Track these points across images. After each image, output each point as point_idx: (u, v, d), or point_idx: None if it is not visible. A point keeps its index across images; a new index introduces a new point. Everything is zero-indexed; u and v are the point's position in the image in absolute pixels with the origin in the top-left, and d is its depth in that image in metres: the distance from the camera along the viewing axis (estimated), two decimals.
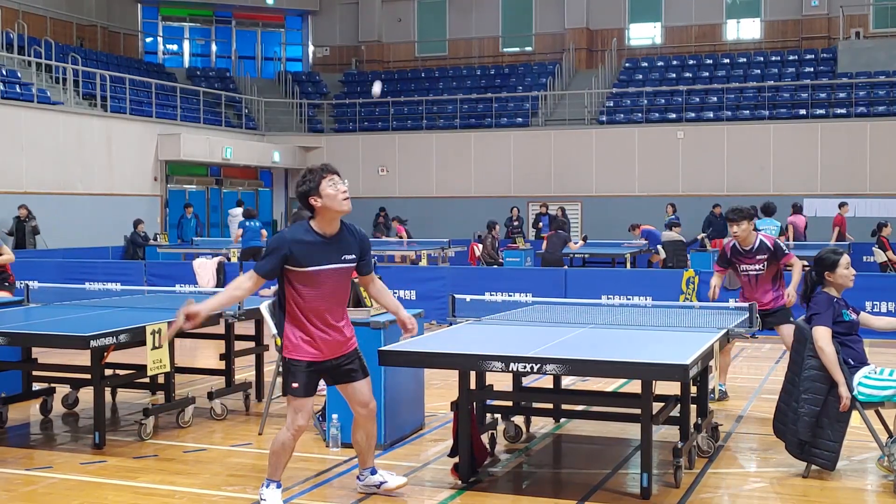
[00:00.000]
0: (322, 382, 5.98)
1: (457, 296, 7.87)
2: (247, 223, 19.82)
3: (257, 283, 5.51)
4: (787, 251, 8.45)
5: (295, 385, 5.59)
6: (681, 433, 6.58)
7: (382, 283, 5.99)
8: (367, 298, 7.20)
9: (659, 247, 19.29)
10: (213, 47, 35.37)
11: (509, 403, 7.31)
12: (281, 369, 5.85)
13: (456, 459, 6.35)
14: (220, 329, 8.68)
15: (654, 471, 6.10)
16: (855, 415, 6.33)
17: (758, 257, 8.31)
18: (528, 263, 19.87)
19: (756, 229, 8.60)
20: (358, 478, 6.11)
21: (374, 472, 6.04)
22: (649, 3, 31.97)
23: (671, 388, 6.74)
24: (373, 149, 29.61)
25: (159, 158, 25.61)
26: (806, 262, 8.51)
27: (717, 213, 23.60)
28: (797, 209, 20.51)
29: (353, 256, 5.64)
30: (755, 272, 8.34)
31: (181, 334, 8.50)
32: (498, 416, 7.29)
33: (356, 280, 7.27)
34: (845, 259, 6.59)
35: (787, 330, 8.03)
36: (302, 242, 5.46)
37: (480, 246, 20.50)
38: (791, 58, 29.30)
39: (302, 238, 5.48)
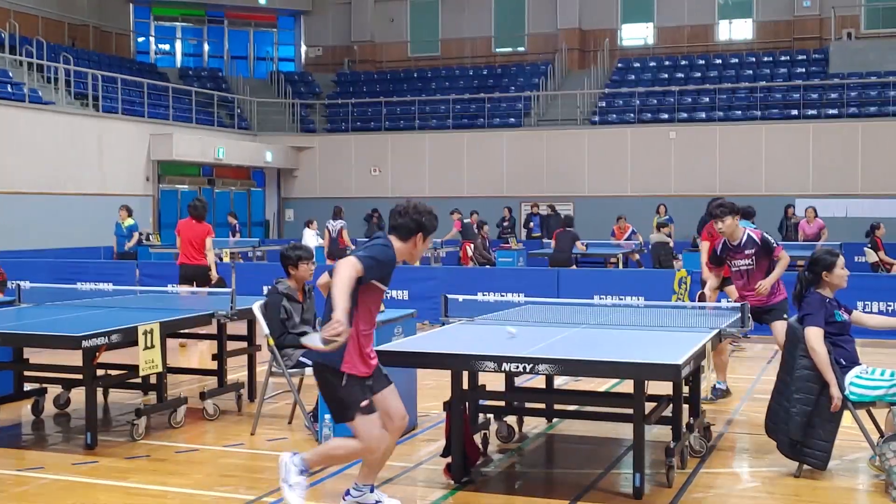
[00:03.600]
0: None
1: (449, 296, 7.87)
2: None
3: (358, 273, 5.16)
4: (775, 244, 8.42)
5: (365, 403, 5.29)
6: (673, 433, 6.59)
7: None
8: None
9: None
10: (206, 47, 35.30)
11: (502, 403, 7.31)
12: (336, 388, 5.29)
13: (448, 459, 6.35)
14: (212, 329, 8.67)
15: (646, 471, 6.10)
16: (847, 414, 6.35)
17: (746, 252, 8.31)
18: (521, 263, 19.87)
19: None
20: (349, 492, 5.64)
21: (372, 489, 5.67)
22: (641, 4, 32.00)
23: (663, 388, 6.75)
24: (365, 149, 29.60)
25: (151, 158, 25.55)
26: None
27: None
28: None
29: None
30: (746, 267, 8.34)
31: (175, 334, 8.52)
32: (490, 416, 7.29)
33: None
34: (841, 260, 6.64)
35: (781, 327, 8.01)
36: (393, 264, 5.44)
37: (472, 246, 20.50)
38: (783, 58, 29.36)
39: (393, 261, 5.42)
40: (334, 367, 5.27)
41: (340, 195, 29.27)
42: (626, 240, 20.62)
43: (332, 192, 29.48)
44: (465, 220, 21.50)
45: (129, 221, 19.42)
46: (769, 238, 8.45)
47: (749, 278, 8.36)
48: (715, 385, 8.97)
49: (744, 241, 8.35)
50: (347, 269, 5.08)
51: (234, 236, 24.00)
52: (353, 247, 20.99)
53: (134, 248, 19.38)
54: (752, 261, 8.32)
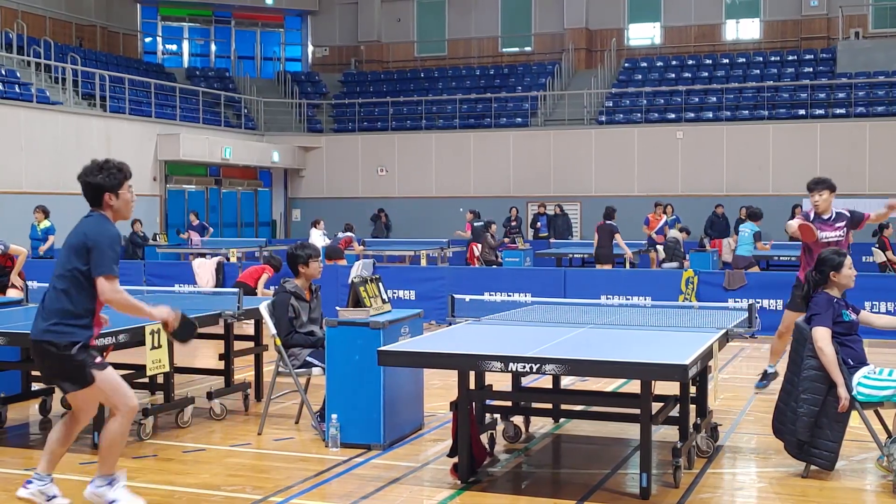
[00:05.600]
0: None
1: (456, 296, 7.87)
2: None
3: None
4: (863, 213, 9.01)
5: (98, 360, 5.46)
6: (680, 433, 6.58)
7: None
8: (366, 298, 7.21)
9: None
10: (213, 47, 35.36)
11: (508, 403, 7.31)
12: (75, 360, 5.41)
13: (455, 459, 6.34)
14: (219, 329, 8.68)
15: (653, 471, 6.09)
16: (854, 415, 6.33)
17: (836, 225, 8.78)
18: (528, 263, 19.87)
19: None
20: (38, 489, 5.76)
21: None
22: (649, 3, 31.97)
23: (670, 388, 6.74)
24: (372, 149, 29.62)
25: (158, 158, 25.61)
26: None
27: (720, 212, 23.61)
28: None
29: None
30: (835, 239, 8.68)
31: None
32: (497, 416, 7.29)
33: (355, 280, 7.30)
34: (849, 260, 6.66)
35: None
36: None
37: (479, 246, 20.52)
38: (790, 58, 29.31)
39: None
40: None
41: (347, 195, 29.32)
42: (657, 232, 20.73)
43: (338, 192, 29.53)
44: (476, 224, 21.58)
45: (46, 224, 18.00)
46: (857, 211, 9.02)
47: None
48: (766, 370, 9.35)
49: (834, 215, 8.85)
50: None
51: (205, 235, 23.56)
52: (360, 247, 21.04)
53: (49, 252, 17.50)
54: (843, 233, 8.76)
